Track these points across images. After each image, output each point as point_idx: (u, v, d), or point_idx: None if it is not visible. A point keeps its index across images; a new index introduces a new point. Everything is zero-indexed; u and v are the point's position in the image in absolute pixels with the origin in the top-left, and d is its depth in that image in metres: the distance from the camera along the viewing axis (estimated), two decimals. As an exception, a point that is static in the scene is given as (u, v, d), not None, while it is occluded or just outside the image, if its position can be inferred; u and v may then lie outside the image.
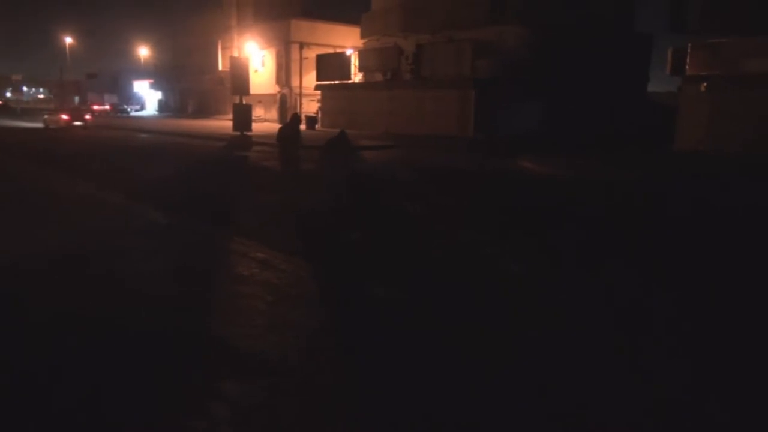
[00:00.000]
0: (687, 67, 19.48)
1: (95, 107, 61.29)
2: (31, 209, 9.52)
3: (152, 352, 4.08)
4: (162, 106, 67.06)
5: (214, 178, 14.69)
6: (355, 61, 35.17)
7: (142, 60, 76.24)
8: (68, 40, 77.38)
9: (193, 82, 58.02)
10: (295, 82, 40.35)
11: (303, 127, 15.41)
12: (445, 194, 12.27)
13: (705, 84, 18.71)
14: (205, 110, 55.05)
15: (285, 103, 41.96)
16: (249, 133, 26.36)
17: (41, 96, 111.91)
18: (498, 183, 14.26)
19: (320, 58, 36.79)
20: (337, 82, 35.30)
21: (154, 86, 69.21)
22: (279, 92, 42.73)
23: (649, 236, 8.39)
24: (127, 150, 21.78)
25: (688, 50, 19.32)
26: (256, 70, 41.93)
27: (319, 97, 37.67)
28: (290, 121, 9.77)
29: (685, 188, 13.05)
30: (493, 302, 5.41)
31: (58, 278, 5.79)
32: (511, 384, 3.79)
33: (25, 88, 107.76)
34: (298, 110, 39.68)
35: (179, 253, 6.92)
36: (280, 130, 9.74)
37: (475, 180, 14.74)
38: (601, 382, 3.83)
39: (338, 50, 37.58)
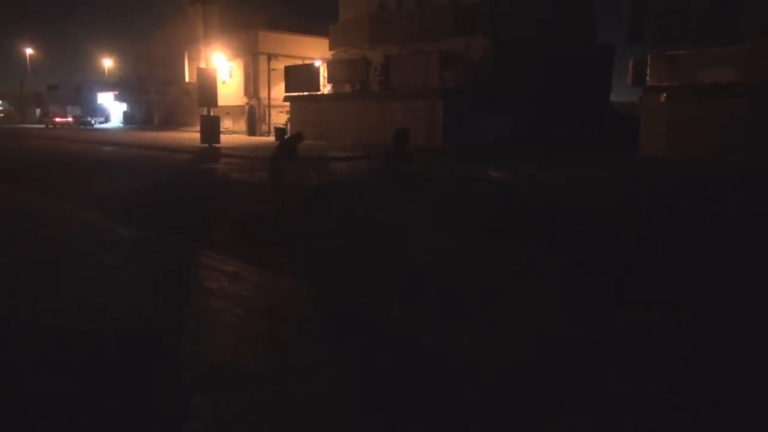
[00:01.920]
0: (647, 78, 20.07)
1: (57, 119, 59.95)
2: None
3: (121, 369, 4.00)
4: (127, 117, 65.91)
5: (181, 191, 14.51)
6: (323, 73, 35.24)
7: (106, 71, 74.96)
8: (29, 51, 75.71)
9: (159, 93, 57.23)
10: (263, 94, 40.20)
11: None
12: (414, 201, 12.35)
13: (664, 95, 19.30)
14: (172, 122, 54.30)
15: (253, 115, 41.71)
16: (217, 145, 26.13)
17: (0, 108, 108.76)
18: (468, 189, 14.42)
19: (289, 70, 36.74)
20: (306, 93, 35.29)
21: (119, 98, 68.02)
22: (247, 104, 42.47)
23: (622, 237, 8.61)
24: (91, 163, 21.35)
25: (648, 62, 19.91)
26: (223, 82, 41.62)
27: (288, 108, 37.57)
28: (291, 137, 9.86)
29: (641, 190, 13.47)
30: (486, 304, 5.49)
31: (21, 295, 5.65)
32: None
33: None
34: (267, 122, 39.52)
35: (146, 269, 6.81)
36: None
37: (446, 187, 14.88)
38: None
39: (307, 62, 37.61)
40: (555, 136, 27.60)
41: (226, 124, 41.16)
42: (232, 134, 40.09)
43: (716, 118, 17.98)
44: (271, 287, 6.05)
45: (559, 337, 4.68)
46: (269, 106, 39.67)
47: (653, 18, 19.20)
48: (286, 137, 10.09)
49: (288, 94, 36.60)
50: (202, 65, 29.87)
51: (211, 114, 27.16)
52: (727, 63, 17.79)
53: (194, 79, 36.50)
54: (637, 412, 3.53)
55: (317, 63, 35.98)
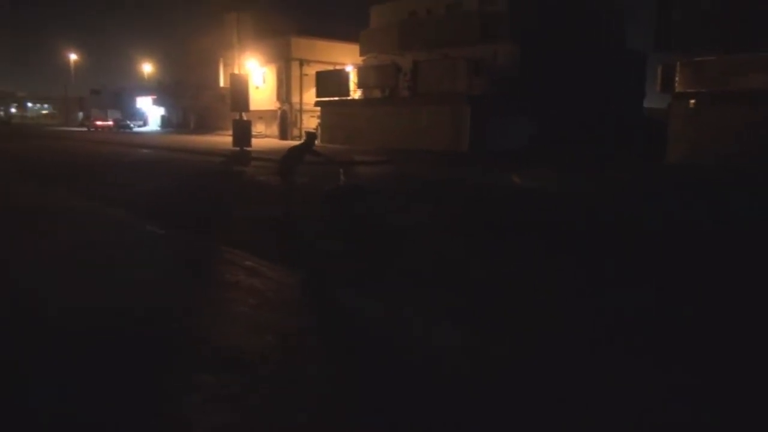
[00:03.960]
0: (676, 84, 19.94)
1: (98, 123, 62.02)
2: (34, 224, 9.89)
3: (138, 350, 4.40)
4: (164, 121, 67.83)
5: (210, 192, 15.08)
6: (354, 78, 35.80)
7: (145, 76, 77.30)
8: (73, 56, 78.55)
9: (195, 98, 58.78)
10: (295, 99, 40.95)
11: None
12: (432, 206, 12.63)
13: (692, 101, 19.15)
14: (206, 126, 55.69)
15: (285, 119, 42.51)
16: (248, 149, 26.81)
17: (45, 112, 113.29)
18: (486, 195, 14.62)
19: (320, 75, 37.44)
20: (336, 98, 35.89)
21: (157, 102, 70.06)
22: (279, 108, 43.31)
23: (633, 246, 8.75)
24: (127, 165, 22.22)
25: (677, 68, 19.79)
26: (257, 87, 42.55)
27: (318, 113, 38.25)
28: (306, 140, 10.21)
29: (653, 197, 13.47)
30: (489, 304, 5.70)
31: (52, 286, 6.14)
32: (510, 385, 3.92)
33: (30, 104, 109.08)
34: (298, 126, 40.25)
35: (171, 261, 7.27)
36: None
37: (462, 193, 15.11)
38: (599, 382, 3.97)
39: (337, 67, 38.24)
40: (584, 142, 27.49)
41: (258, 128, 42.08)
42: (265, 138, 40.94)
43: (744, 124, 17.79)
44: (285, 282, 6.40)
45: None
46: (301, 111, 40.39)
47: (680, 24, 19.09)
48: (294, 145, 10.45)
49: (319, 99, 37.28)
50: (236, 71, 30.64)
51: (245, 118, 27.88)
52: (756, 69, 17.58)
53: (228, 85, 37.43)
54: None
55: (348, 68, 36.57)
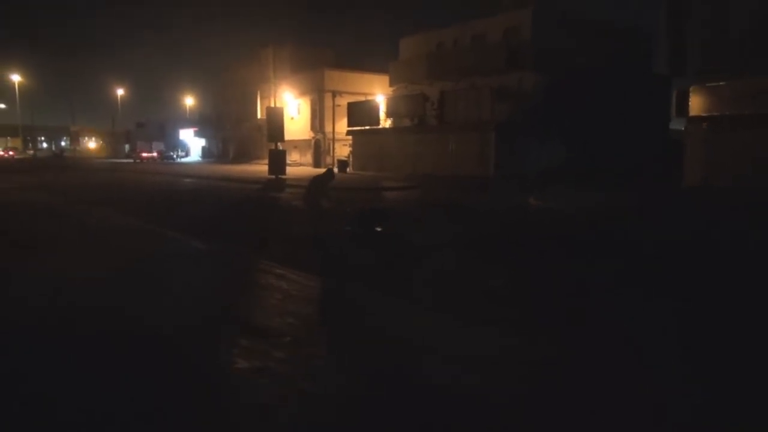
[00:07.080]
0: (690, 109, 20.66)
1: (144, 154, 65.32)
2: (104, 247, 11.37)
3: (194, 324, 5.62)
4: (205, 152, 70.93)
5: (247, 215, 16.53)
6: (383, 108, 37.38)
7: (186, 109, 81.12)
8: (120, 92, 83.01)
9: (233, 129, 61.52)
10: (328, 128, 42.75)
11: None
12: (451, 226, 13.70)
13: (705, 124, 19.84)
14: (244, 156, 58.10)
15: (319, 148, 44.32)
16: (283, 177, 28.38)
17: (93, 145, 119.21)
18: (502, 218, 15.61)
19: (351, 106, 39.17)
20: (367, 127, 37.48)
21: (198, 134, 73.39)
22: (313, 138, 45.20)
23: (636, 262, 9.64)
24: (173, 192, 23.97)
25: (690, 93, 20.54)
26: (292, 118, 44.59)
27: (350, 141, 39.91)
28: (325, 172, 11.55)
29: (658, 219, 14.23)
30: (490, 311, 6.55)
31: (127, 285, 7.47)
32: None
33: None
34: (331, 154, 41.97)
35: (215, 269, 8.58)
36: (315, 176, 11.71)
37: (481, 215, 16.13)
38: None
39: (368, 97, 39.93)
40: (609, 165, 28.15)
41: (293, 156, 43.97)
42: (299, 166, 42.72)
43: (758, 147, 18.36)
44: (306, 284, 7.58)
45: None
46: (333, 140, 42.10)
47: (693, 49, 19.91)
48: (317, 175, 11.78)
49: (350, 128, 38.96)
50: (272, 103, 32.47)
51: (280, 148, 29.56)
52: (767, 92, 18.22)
53: (265, 116, 39.43)
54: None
55: (378, 99, 38.21)
